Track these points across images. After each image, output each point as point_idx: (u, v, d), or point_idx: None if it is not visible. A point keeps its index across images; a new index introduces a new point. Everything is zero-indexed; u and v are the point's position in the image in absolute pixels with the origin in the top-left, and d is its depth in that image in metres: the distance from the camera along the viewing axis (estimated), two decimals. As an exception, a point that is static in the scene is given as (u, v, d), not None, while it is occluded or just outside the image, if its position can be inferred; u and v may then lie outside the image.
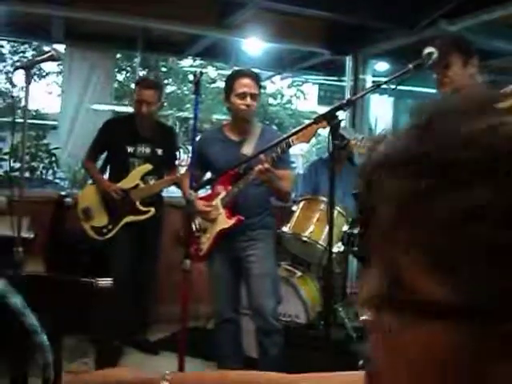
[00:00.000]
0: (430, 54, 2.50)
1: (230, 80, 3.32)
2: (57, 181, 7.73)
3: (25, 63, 2.58)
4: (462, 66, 2.71)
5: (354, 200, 2.28)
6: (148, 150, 4.12)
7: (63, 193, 4.83)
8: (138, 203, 4.02)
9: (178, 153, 4.36)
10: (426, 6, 4.65)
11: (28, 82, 2.56)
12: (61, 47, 7.52)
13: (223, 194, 3.28)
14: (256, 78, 3.31)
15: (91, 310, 1.66)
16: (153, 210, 4.06)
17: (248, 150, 3.25)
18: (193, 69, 12.33)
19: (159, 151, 4.14)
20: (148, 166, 4.05)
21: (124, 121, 4.39)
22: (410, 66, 2.46)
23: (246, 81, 3.24)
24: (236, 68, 3.75)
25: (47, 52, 2.63)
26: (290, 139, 2.89)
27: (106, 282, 1.49)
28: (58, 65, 10.27)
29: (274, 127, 16.37)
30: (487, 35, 4.97)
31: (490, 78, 7.08)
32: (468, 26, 4.59)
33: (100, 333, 1.88)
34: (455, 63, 2.71)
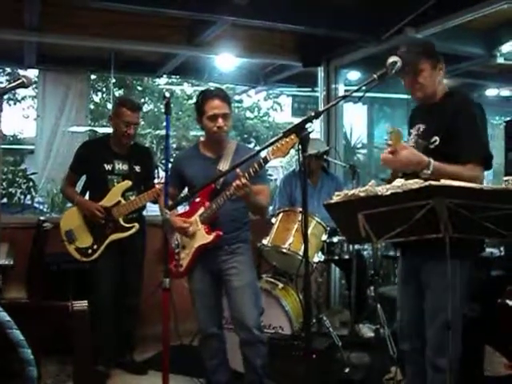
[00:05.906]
0: (394, 63, 2.56)
1: (200, 102, 3.29)
2: (35, 205, 7.69)
3: (-7, 92, 2.55)
4: (431, 71, 2.71)
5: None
6: (125, 167, 4.12)
7: (42, 217, 4.79)
8: (121, 220, 4.03)
9: (155, 171, 4.36)
10: (391, 15, 4.74)
11: (-1, 110, 2.55)
12: (34, 72, 7.56)
13: (202, 210, 3.30)
14: (225, 97, 3.28)
15: (69, 333, 1.68)
16: (137, 225, 4.06)
17: (224, 166, 3.28)
18: (168, 86, 12.31)
19: (137, 168, 4.15)
20: (128, 182, 4.04)
21: (98, 141, 4.41)
22: (375, 75, 2.52)
23: (216, 102, 3.22)
24: (203, 89, 3.67)
25: (17, 79, 2.62)
26: (267, 155, 2.90)
27: (81, 305, 1.50)
28: (33, 88, 10.23)
29: (252, 140, 16.42)
30: (452, 40, 5.08)
31: (459, 81, 7.23)
32: (434, 33, 4.69)
33: (81, 356, 1.89)
34: (425, 69, 2.69)
